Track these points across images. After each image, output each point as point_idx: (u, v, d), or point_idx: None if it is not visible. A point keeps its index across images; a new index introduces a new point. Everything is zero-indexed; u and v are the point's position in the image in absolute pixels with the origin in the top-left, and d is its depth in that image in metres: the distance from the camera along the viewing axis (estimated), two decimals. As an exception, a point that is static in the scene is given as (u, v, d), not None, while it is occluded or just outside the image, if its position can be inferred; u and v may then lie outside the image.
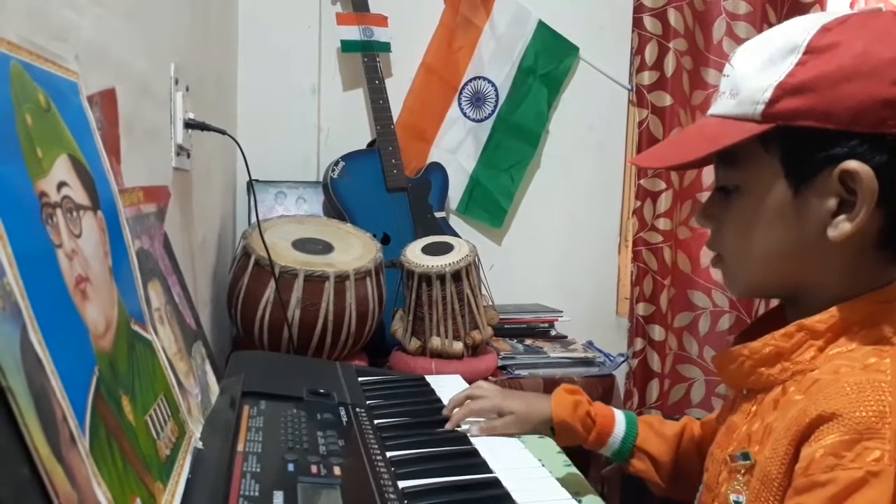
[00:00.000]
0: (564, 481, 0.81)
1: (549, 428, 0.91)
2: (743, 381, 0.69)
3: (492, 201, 2.01)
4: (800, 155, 0.62)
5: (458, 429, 0.91)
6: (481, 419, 0.93)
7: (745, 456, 0.64)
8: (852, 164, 0.59)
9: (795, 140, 0.61)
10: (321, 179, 1.82)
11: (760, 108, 0.61)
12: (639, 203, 2.04)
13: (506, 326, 1.78)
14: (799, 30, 0.61)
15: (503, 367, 1.59)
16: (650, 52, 2.00)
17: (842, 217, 0.60)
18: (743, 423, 0.68)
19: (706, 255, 2.10)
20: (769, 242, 0.66)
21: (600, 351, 1.72)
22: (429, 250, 1.49)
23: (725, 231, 0.70)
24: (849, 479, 0.53)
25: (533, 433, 0.93)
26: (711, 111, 0.68)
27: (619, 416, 0.91)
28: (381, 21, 1.84)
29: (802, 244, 0.64)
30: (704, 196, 2.08)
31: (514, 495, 0.73)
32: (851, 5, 1.92)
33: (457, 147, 1.99)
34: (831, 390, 0.57)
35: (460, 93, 1.97)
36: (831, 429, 0.55)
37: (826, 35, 0.60)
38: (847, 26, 0.60)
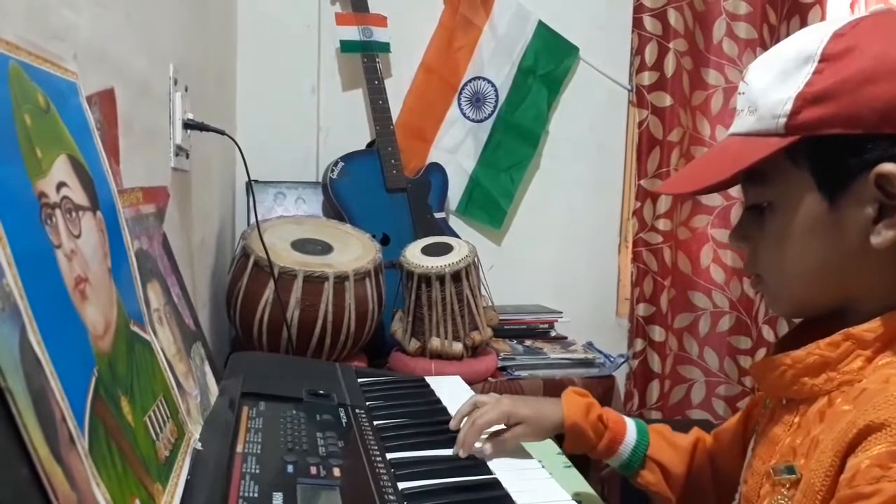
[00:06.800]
0: (564, 482, 0.81)
1: (559, 434, 0.86)
2: (784, 391, 0.67)
3: (491, 202, 2.01)
4: (830, 164, 0.60)
5: (474, 451, 0.83)
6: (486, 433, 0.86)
7: (791, 470, 0.62)
8: (887, 167, 0.57)
9: (824, 149, 0.60)
10: (320, 180, 1.82)
11: (782, 121, 0.60)
12: (639, 204, 2.04)
13: (505, 327, 1.78)
14: (810, 39, 0.60)
15: (503, 368, 1.59)
16: (650, 53, 2.00)
17: (883, 223, 0.58)
18: (786, 435, 0.66)
19: (706, 256, 2.10)
20: (809, 258, 0.63)
21: (600, 352, 1.72)
22: (428, 251, 1.49)
23: (762, 250, 0.67)
24: (894, 492, 0.51)
25: (544, 440, 0.88)
26: (732, 130, 0.67)
27: (630, 423, 0.86)
28: (381, 21, 1.84)
29: (844, 256, 0.62)
30: (704, 196, 2.08)
31: (514, 496, 0.73)
32: (851, 6, 1.91)
33: (456, 147, 1.99)
34: (880, 399, 0.55)
35: (460, 93, 1.97)
36: (879, 439, 0.53)
37: (840, 41, 0.58)
38: (860, 29, 0.59)
